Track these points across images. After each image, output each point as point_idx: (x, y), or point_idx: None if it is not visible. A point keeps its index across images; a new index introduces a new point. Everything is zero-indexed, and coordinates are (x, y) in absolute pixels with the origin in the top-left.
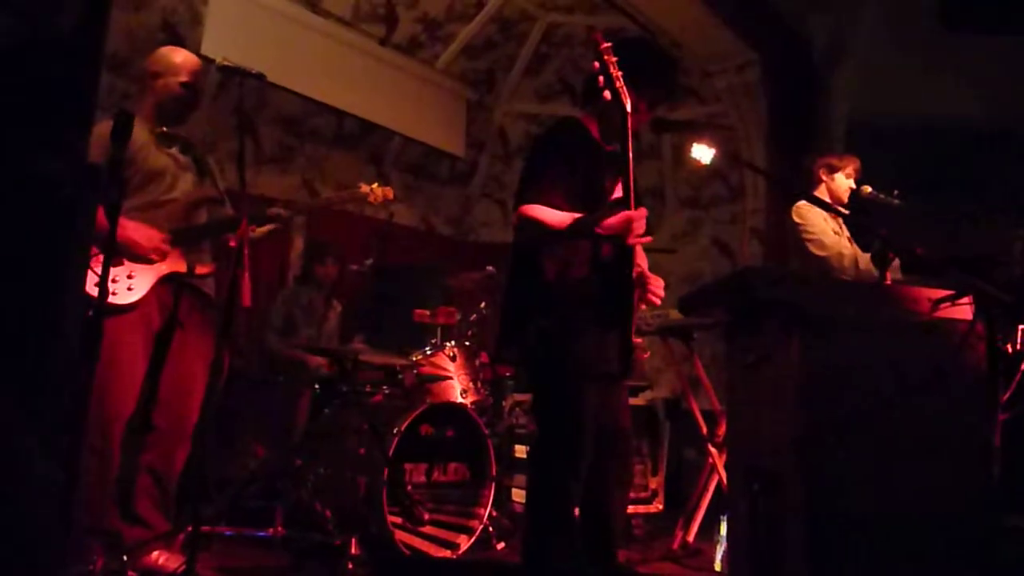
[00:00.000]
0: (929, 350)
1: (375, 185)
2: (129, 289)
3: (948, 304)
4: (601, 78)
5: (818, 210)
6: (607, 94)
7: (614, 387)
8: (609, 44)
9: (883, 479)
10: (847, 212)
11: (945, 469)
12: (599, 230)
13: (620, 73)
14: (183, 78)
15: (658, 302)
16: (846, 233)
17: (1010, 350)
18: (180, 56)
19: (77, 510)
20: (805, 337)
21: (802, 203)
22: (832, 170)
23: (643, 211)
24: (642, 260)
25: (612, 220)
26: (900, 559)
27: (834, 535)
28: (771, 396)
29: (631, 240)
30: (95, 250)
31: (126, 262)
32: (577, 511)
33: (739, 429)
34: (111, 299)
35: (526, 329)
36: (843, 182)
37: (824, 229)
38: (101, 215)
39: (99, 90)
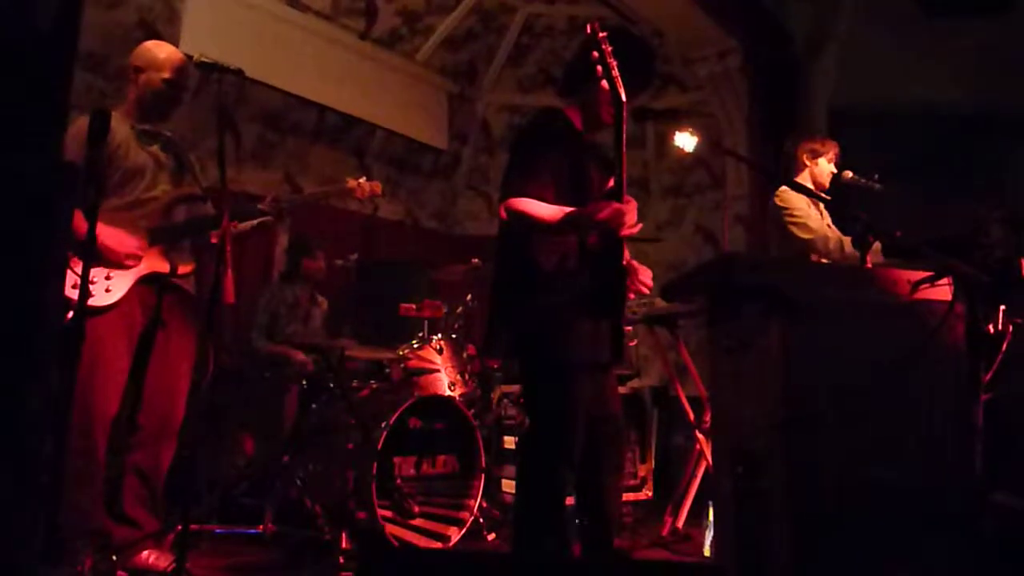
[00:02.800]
0: (909, 332)
1: (362, 179)
2: (107, 291)
3: (927, 286)
4: (599, 67)
5: (798, 196)
6: (604, 83)
7: (605, 375)
8: (606, 34)
9: (866, 460)
10: (828, 198)
11: (927, 448)
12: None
13: (615, 63)
14: (166, 74)
15: (647, 291)
16: (827, 219)
17: (991, 330)
18: (164, 52)
19: (64, 511)
20: (786, 321)
21: (785, 187)
22: (815, 155)
23: (633, 203)
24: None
25: (603, 213)
26: (884, 538)
27: (818, 517)
28: (753, 380)
29: (624, 232)
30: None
31: None
32: (572, 500)
33: (722, 413)
34: (89, 300)
35: (517, 320)
36: (825, 167)
37: (808, 213)
38: (79, 217)
39: (74, 89)
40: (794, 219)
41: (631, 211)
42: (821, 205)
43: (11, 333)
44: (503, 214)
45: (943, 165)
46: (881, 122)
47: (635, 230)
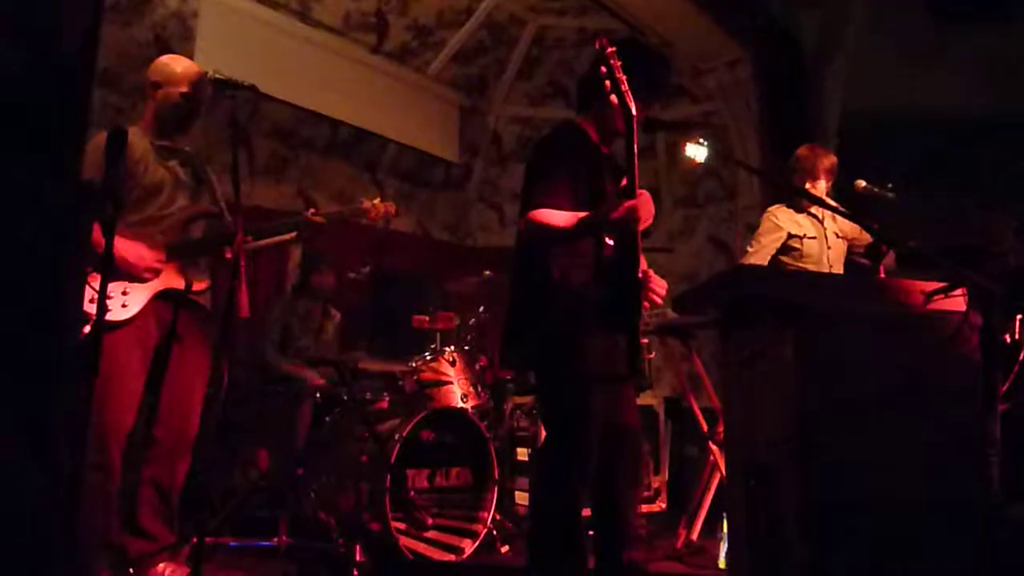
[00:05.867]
0: (923, 342)
1: (376, 200)
2: (123, 306)
3: (942, 296)
4: (607, 82)
5: (788, 217)
6: (613, 98)
7: (622, 387)
8: (614, 48)
9: (880, 472)
10: (833, 204)
11: (942, 461)
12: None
13: (625, 77)
14: (183, 88)
15: (660, 302)
16: (832, 229)
17: (1008, 340)
18: (181, 66)
19: (80, 525)
20: (799, 332)
21: (771, 209)
22: (810, 164)
23: (646, 195)
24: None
25: (618, 212)
26: (899, 552)
27: (832, 529)
28: (766, 391)
29: (642, 227)
30: (90, 268)
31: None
32: (588, 512)
33: (735, 425)
34: (106, 315)
35: (533, 332)
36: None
37: (766, 245)
38: (97, 232)
39: (92, 107)
40: (751, 245)
41: (645, 204)
42: (820, 221)
43: (32, 349)
44: (523, 227)
45: (955, 172)
46: (891, 129)
47: (650, 220)
